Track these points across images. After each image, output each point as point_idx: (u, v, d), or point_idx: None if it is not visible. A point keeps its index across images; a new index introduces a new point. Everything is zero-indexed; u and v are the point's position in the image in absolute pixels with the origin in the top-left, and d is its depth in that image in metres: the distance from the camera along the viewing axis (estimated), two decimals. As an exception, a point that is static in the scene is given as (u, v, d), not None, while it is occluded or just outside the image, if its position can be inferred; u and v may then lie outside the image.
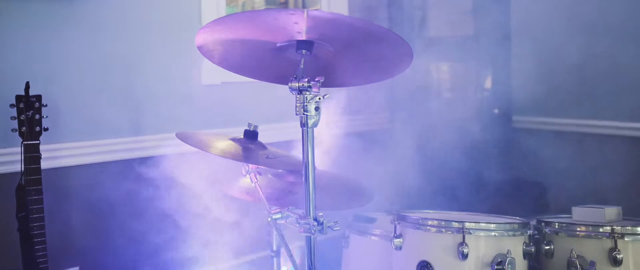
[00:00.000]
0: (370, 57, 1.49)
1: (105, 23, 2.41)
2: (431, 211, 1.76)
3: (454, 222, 1.49)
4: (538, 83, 2.70)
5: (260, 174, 1.70)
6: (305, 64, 1.51)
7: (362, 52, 1.49)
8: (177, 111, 2.63)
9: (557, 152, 2.59)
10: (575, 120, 2.67)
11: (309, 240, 1.55)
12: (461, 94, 2.89)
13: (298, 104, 1.48)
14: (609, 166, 2.48)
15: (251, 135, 1.73)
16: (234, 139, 1.72)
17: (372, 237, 1.94)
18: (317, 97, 1.45)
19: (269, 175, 1.99)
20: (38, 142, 1.89)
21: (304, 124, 1.49)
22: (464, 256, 1.45)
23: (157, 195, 2.52)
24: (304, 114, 1.48)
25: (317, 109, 1.46)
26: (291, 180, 2.01)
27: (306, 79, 1.45)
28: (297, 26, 1.43)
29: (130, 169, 2.51)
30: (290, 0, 3.72)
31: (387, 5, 3.22)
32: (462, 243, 1.46)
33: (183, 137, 1.64)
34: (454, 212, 1.77)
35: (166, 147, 2.60)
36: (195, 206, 2.64)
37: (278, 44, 1.51)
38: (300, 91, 1.47)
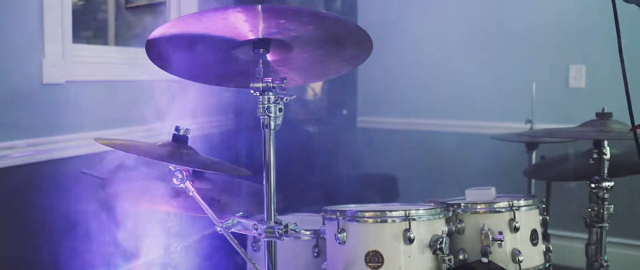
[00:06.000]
0: (326, 53, 1.51)
1: None
2: (353, 205, 1.87)
3: (398, 211, 1.64)
4: (381, 88, 3.05)
5: (193, 181, 1.57)
6: (255, 63, 1.46)
7: (318, 48, 1.49)
8: (11, 115, 2.19)
9: (396, 147, 2.97)
10: (408, 120, 3.12)
11: (269, 246, 1.51)
12: (312, 97, 3.06)
13: (260, 106, 1.43)
14: (449, 159, 2.95)
15: (181, 139, 1.58)
16: (164, 144, 1.55)
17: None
18: (285, 98, 1.42)
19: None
20: None
21: (266, 126, 1.44)
22: (411, 241, 1.61)
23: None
24: (266, 115, 1.43)
25: (280, 110, 1.44)
26: (197, 186, 1.89)
27: (270, 79, 1.41)
28: (250, 25, 1.38)
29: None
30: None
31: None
32: (409, 229, 1.61)
33: (111, 144, 1.42)
34: (369, 205, 1.91)
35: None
36: (59, 221, 2.26)
37: (234, 44, 1.43)
38: (263, 92, 1.42)
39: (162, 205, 1.73)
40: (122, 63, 2.69)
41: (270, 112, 1.43)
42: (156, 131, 2.38)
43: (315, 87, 3.22)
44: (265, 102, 1.43)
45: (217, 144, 3.14)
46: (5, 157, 2.16)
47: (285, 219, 2.13)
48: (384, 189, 2.85)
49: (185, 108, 2.86)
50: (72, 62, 2.40)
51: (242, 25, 1.36)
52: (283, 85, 1.42)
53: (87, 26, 3.36)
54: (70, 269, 2.31)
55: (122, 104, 2.66)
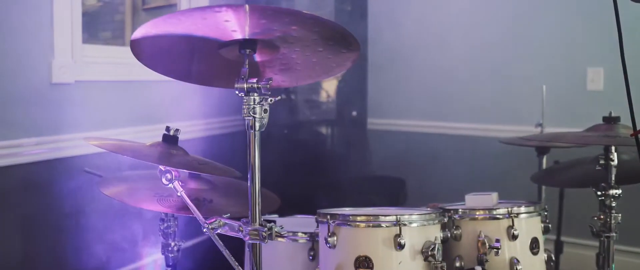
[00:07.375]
0: (315, 55, 1.49)
1: None
2: (347, 209, 1.83)
3: (389, 216, 1.60)
4: (390, 90, 3.01)
5: (182, 182, 1.57)
6: (242, 63, 1.45)
7: (307, 50, 1.47)
8: (19, 113, 2.24)
9: (407, 150, 2.92)
10: (418, 122, 3.07)
11: (254, 248, 1.50)
12: (322, 98, 3.04)
13: (245, 106, 1.42)
14: (458, 162, 2.89)
15: (171, 140, 1.58)
16: (153, 145, 1.56)
17: (279, 239, 1.93)
18: (269, 99, 1.41)
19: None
20: None
21: (250, 127, 1.43)
22: (401, 246, 1.57)
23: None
24: (251, 116, 1.42)
25: (265, 111, 1.42)
26: (193, 187, 1.89)
27: (255, 80, 1.40)
28: (233, 24, 1.37)
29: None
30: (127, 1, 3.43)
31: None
32: (399, 235, 1.57)
33: (103, 145, 1.43)
34: (367, 208, 1.87)
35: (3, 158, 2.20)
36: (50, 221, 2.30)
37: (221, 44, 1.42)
38: (247, 92, 1.41)
39: (155, 205, 1.74)
40: (133, 63, 2.72)
41: (255, 113, 1.41)
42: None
43: (329, 89, 3.20)
44: (251, 103, 1.41)
45: (228, 145, 3.15)
46: (13, 155, 2.22)
47: (287, 220, 2.14)
48: (392, 192, 2.80)
49: (195, 108, 2.88)
50: (81, 62, 2.44)
51: (227, 25, 1.35)
52: (268, 86, 1.41)
53: (105, 27, 3.41)
54: (73, 266, 2.35)
55: (131, 104, 2.69)
